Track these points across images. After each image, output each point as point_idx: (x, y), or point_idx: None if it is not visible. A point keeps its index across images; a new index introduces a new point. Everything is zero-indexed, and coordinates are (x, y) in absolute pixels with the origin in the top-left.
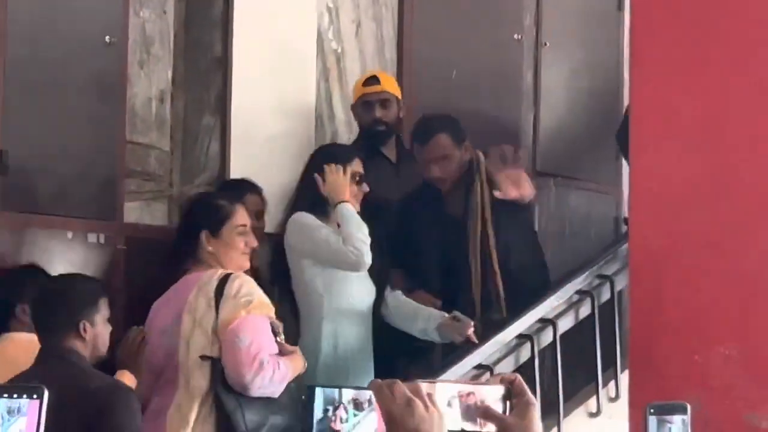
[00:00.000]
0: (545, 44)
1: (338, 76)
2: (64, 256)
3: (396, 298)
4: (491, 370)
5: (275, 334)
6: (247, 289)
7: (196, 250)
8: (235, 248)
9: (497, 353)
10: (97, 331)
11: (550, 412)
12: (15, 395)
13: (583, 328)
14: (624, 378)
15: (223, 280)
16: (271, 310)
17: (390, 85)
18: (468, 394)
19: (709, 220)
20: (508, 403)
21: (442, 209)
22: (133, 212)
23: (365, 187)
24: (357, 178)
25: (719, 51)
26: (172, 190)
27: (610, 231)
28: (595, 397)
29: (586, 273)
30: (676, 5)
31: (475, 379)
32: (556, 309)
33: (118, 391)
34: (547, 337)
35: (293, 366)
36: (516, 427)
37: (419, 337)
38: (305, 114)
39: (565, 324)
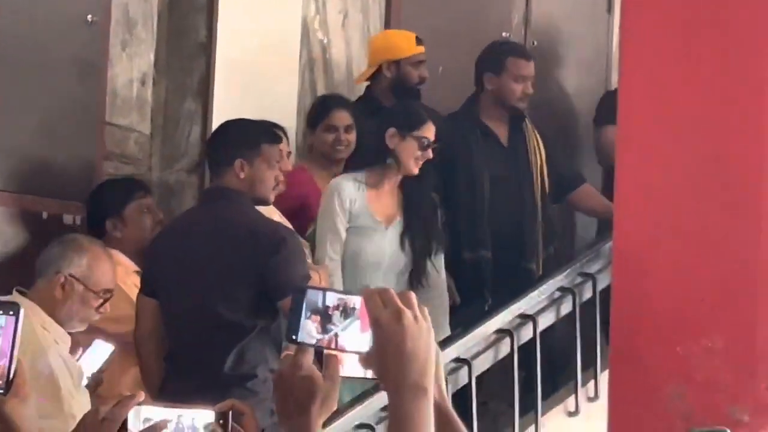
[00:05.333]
0: (533, 43)
1: (323, 67)
2: (39, 236)
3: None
4: (470, 365)
5: None
6: None
7: None
8: None
9: (476, 347)
10: (256, 172)
11: (528, 410)
12: None
13: (563, 326)
14: (604, 378)
15: None
16: None
17: None
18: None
19: (694, 213)
20: None
21: (496, 140)
22: None
23: (430, 153)
24: (425, 143)
25: (708, 47)
26: (150, 175)
27: (593, 231)
28: (573, 396)
29: (568, 270)
30: (666, 5)
31: (453, 373)
32: (537, 305)
33: (285, 237)
34: (527, 333)
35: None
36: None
37: None
38: (288, 103)
39: (546, 321)
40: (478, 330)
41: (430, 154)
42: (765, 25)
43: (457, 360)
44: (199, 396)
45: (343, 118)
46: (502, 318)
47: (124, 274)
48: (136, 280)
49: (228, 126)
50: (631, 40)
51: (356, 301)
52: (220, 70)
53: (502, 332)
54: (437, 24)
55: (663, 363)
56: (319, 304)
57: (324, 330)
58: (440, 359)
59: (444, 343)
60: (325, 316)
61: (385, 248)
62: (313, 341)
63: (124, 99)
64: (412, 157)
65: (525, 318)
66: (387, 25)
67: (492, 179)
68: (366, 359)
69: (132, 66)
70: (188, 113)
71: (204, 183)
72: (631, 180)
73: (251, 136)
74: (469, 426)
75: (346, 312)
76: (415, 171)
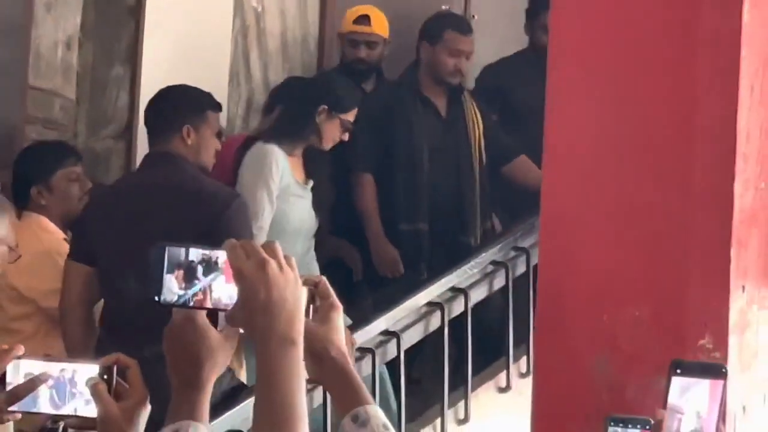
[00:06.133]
0: (473, 17)
1: (257, 35)
2: None
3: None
4: (398, 337)
5: None
6: None
7: None
8: None
9: (405, 319)
10: (202, 138)
11: (459, 386)
12: None
13: (496, 300)
14: None
15: None
16: None
17: (379, 26)
18: None
19: (623, 181)
20: (311, 306)
21: (435, 112)
22: None
23: (346, 136)
24: (347, 127)
25: (639, 15)
26: (76, 141)
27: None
28: (505, 371)
29: (502, 243)
30: None
31: (382, 346)
32: (470, 278)
33: (233, 198)
34: (458, 306)
35: None
36: (316, 332)
37: None
38: (220, 71)
39: (478, 295)
40: (408, 302)
41: (346, 137)
42: None
43: (386, 333)
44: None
45: None
46: (433, 291)
47: (56, 244)
48: (62, 246)
49: (173, 91)
50: (560, 9)
51: (219, 254)
52: (149, 35)
53: (433, 305)
54: None
55: (589, 332)
56: (182, 259)
57: (187, 286)
58: (341, 321)
59: (373, 315)
60: (188, 271)
61: (306, 213)
62: (175, 298)
63: (49, 62)
64: (332, 138)
65: (457, 291)
66: None
67: (430, 151)
68: (231, 314)
69: (57, 28)
70: (116, 79)
71: (132, 150)
72: (559, 148)
73: (198, 102)
74: (398, 399)
75: (210, 267)
76: (327, 149)
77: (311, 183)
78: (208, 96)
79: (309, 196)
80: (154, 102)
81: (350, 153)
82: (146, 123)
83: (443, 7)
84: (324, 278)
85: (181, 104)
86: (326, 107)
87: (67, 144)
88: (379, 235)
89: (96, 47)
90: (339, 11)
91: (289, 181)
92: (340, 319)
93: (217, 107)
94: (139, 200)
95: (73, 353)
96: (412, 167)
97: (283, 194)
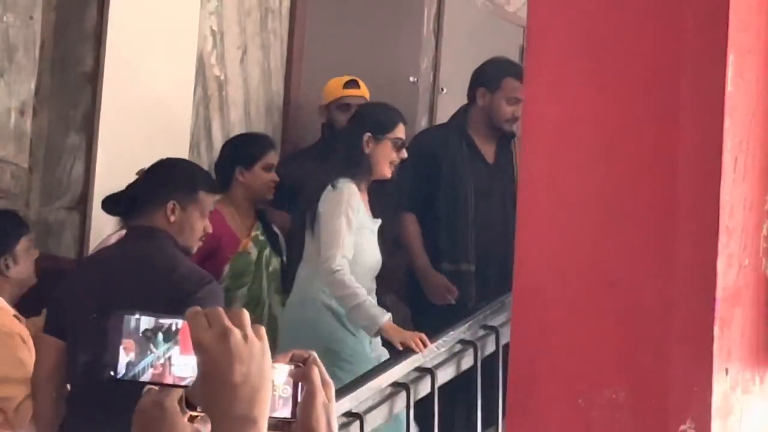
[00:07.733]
0: (442, 90)
1: (219, 105)
2: None
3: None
4: (362, 419)
5: None
6: None
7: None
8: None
9: (369, 400)
10: (188, 218)
11: None
12: None
13: (464, 381)
14: None
15: None
16: None
17: (365, 90)
18: None
19: (599, 257)
20: (300, 384)
21: (480, 157)
22: None
23: (404, 153)
24: (399, 144)
25: (613, 76)
26: (28, 211)
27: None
28: None
29: (470, 322)
30: (570, 41)
31: (344, 428)
32: (436, 358)
33: (205, 283)
34: (425, 387)
35: None
36: (299, 416)
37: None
38: (180, 141)
39: (445, 375)
40: (372, 383)
41: (404, 153)
42: (676, 61)
43: (349, 414)
44: None
45: (276, 158)
46: (399, 371)
47: (8, 323)
48: (15, 326)
49: (166, 164)
50: (535, 78)
51: (177, 323)
52: (106, 102)
53: (398, 386)
54: (341, 65)
55: (563, 416)
56: (132, 327)
57: (139, 357)
58: (331, 399)
59: (336, 395)
60: (140, 341)
61: (377, 250)
62: (125, 370)
63: (1, 129)
64: (388, 160)
65: (423, 371)
66: (288, 63)
67: (476, 194)
68: (191, 391)
69: (11, 94)
70: (71, 147)
71: (86, 221)
72: (533, 221)
73: (190, 180)
74: None
75: (167, 336)
76: (389, 174)
77: (379, 221)
78: (204, 175)
79: (376, 232)
80: (145, 174)
81: (395, 193)
82: (127, 193)
83: (411, 79)
84: (314, 353)
85: (171, 179)
86: (369, 134)
87: (16, 212)
88: (427, 266)
89: (51, 114)
90: (304, 80)
91: (364, 215)
92: (331, 396)
93: (213, 188)
94: (111, 274)
95: (44, 430)
96: (457, 209)
97: (359, 228)
